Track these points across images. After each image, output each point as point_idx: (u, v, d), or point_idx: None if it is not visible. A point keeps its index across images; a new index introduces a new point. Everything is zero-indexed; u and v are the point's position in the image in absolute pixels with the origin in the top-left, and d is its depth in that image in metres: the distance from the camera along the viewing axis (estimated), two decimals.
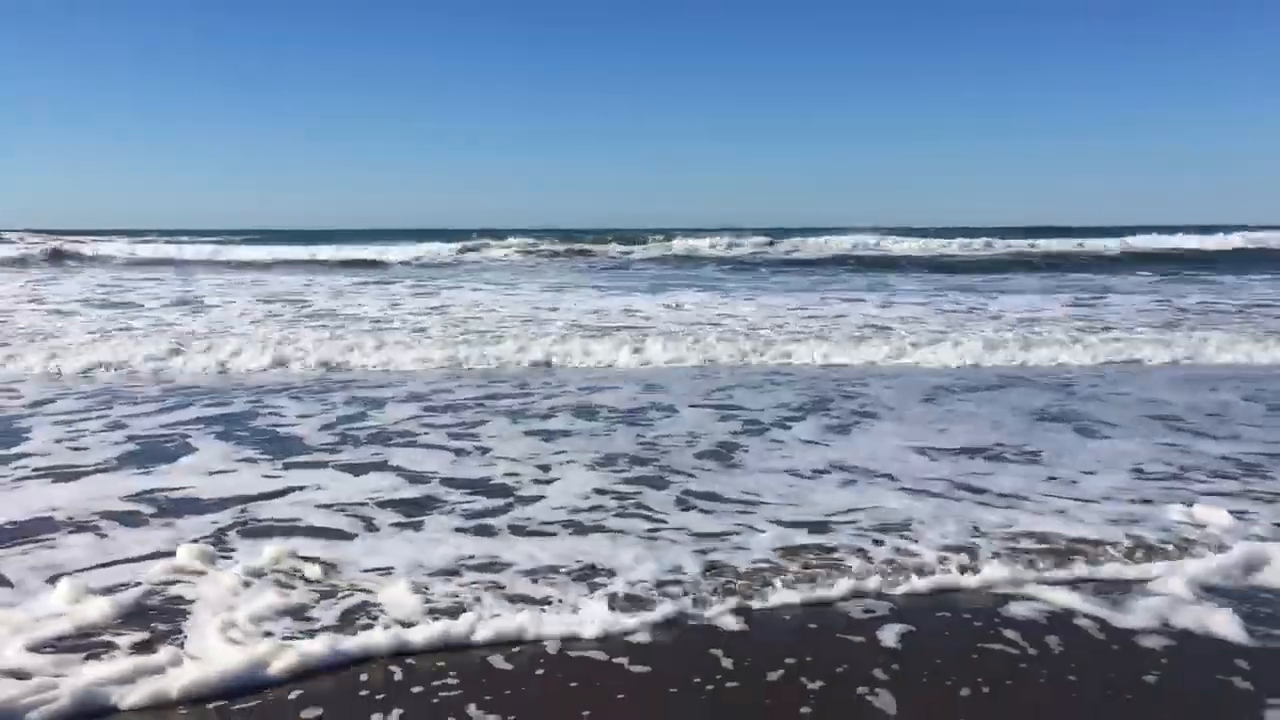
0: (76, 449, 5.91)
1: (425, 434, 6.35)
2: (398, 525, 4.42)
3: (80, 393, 7.83)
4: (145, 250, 31.77)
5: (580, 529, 4.36)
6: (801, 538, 4.24)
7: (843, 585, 3.64)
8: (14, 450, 5.86)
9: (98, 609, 3.34)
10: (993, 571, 3.79)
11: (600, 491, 4.95)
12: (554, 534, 4.30)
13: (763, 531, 4.33)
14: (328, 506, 4.71)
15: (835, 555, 4.03)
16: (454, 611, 3.38)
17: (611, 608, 3.40)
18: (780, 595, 3.59)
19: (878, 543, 4.18)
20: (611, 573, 3.80)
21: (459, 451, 5.85)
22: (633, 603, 3.49)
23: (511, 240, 35.55)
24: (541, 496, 4.87)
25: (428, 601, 3.49)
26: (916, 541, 4.20)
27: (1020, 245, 34.28)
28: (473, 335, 11.46)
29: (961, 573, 3.80)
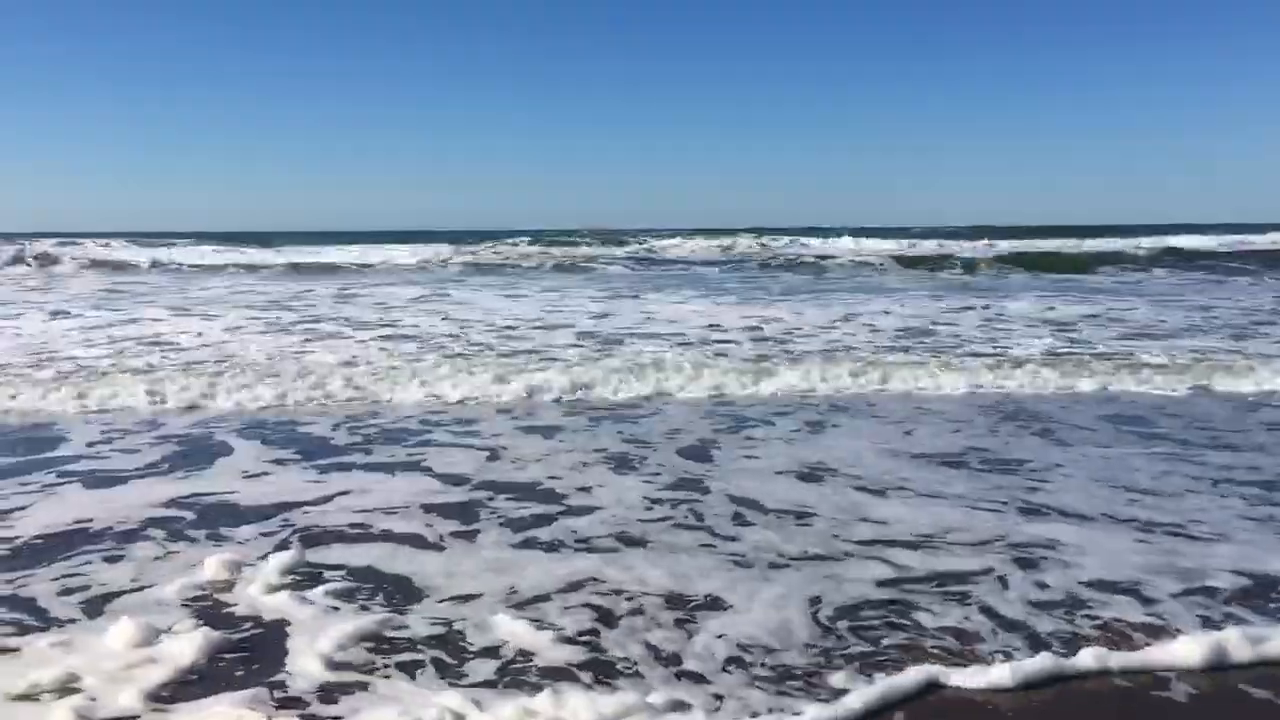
0: (117, 451, 5.88)
1: (436, 433, 6.40)
2: (457, 535, 4.31)
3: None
4: (124, 253, 31.27)
5: (647, 545, 4.17)
6: (909, 560, 3.95)
7: (1087, 657, 3.02)
8: (54, 454, 5.81)
9: (191, 645, 3.09)
10: None
11: (651, 501, 4.81)
12: (617, 550, 4.12)
13: (856, 556, 4.03)
14: (375, 511, 4.62)
15: (970, 591, 3.62)
16: (601, 660, 3.07)
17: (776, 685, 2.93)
18: (982, 674, 2.94)
19: (1024, 564, 3.88)
20: (725, 607, 3.49)
21: (489, 453, 5.82)
22: (809, 677, 2.98)
23: (481, 244, 34.27)
24: (595, 507, 4.72)
25: (563, 640, 3.21)
26: (1068, 566, 3.84)
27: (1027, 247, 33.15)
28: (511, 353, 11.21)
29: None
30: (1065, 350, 10.14)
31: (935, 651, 3.13)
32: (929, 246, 32.79)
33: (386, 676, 2.97)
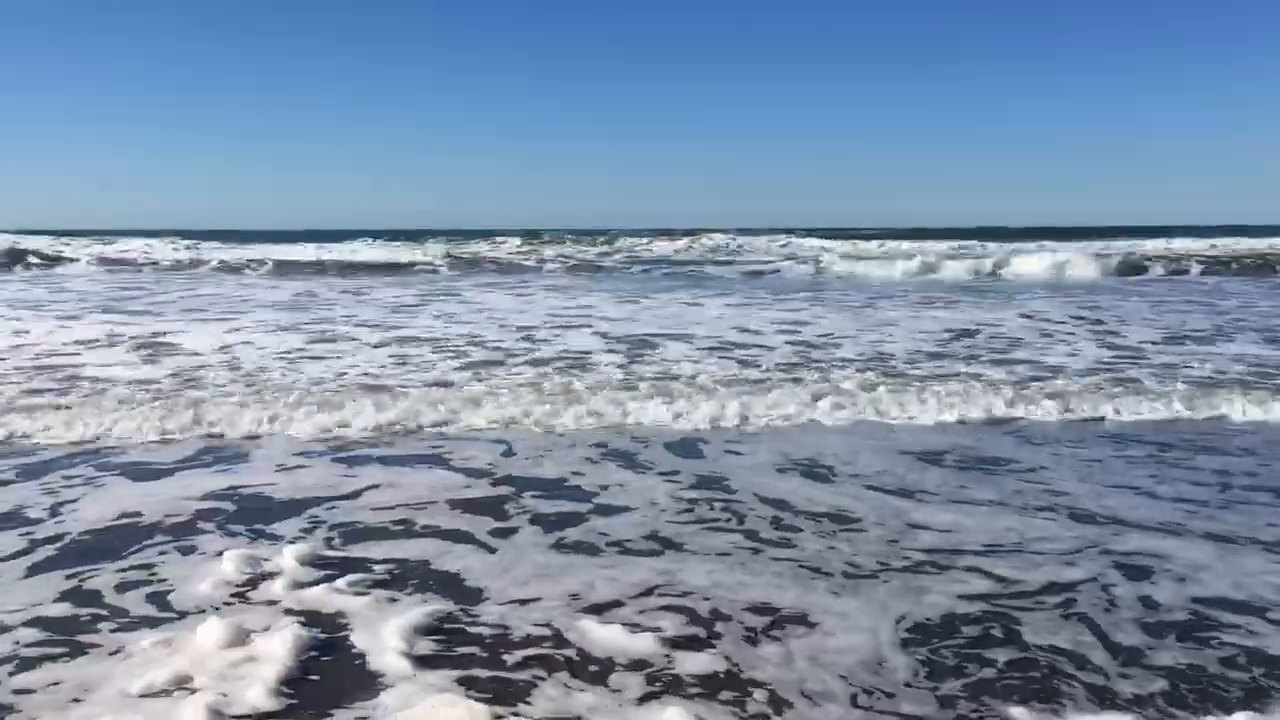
0: (154, 443, 6.08)
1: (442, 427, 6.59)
2: (495, 534, 4.38)
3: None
4: (122, 253, 31.19)
5: (697, 550, 4.15)
6: (995, 571, 3.86)
7: None
8: (93, 445, 5.98)
9: (282, 643, 3.10)
10: None
11: (681, 502, 4.84)
12: (659, 553, 4.11)
13: (939, 570, 3.90)
14: (405, 506, 4.76)
15: (1074, 607, 3.48)
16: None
17: None
18: None
19: (1131, 569, 3.79)
20: (812, 625, 3.37)
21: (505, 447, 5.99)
22: None
23: (470, 242, 34.05)
24: (625, 507, 4.78)
25: (672, 646, 3.17)
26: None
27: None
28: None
29: None
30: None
31: (1065, 688, 2.94)
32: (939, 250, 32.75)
33: (541, 678, 2.97)
